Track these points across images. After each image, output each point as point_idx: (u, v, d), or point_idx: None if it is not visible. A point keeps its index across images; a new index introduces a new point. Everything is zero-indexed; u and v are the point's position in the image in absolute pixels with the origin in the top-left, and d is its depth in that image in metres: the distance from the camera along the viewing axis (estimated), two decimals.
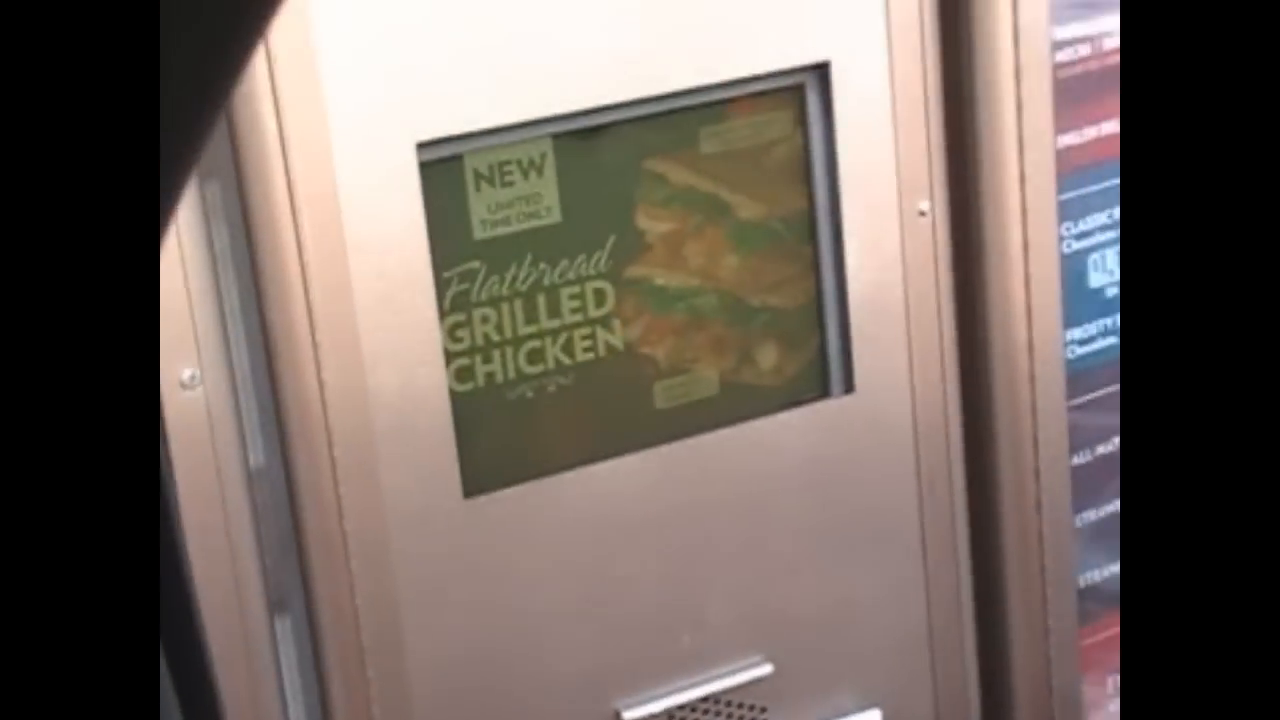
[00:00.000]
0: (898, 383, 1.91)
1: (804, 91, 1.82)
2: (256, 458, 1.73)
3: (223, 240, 1.66)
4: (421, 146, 1.66)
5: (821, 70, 1.81)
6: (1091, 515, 2.02)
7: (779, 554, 1.90)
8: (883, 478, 1.94)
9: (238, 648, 1.74)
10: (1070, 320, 1.96)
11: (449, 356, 1.73)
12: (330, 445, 1.69)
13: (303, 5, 1.58)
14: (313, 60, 1.59)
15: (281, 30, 1.57)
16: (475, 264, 1.73)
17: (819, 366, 1.90)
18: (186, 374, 1.66)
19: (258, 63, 1.58)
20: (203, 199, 1.63)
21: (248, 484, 1.72)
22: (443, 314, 1.72)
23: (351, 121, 1.62)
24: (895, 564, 1.96)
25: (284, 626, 1.78)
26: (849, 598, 1.94)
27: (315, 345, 1.66)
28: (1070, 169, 1.93)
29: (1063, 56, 1.90)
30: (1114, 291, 2.00)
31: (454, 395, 1.73)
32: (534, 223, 1.74)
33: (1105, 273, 1.98)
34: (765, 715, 1.93)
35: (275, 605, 1.77)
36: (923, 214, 1.87)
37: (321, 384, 1.67)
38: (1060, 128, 1.91)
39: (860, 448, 1.91)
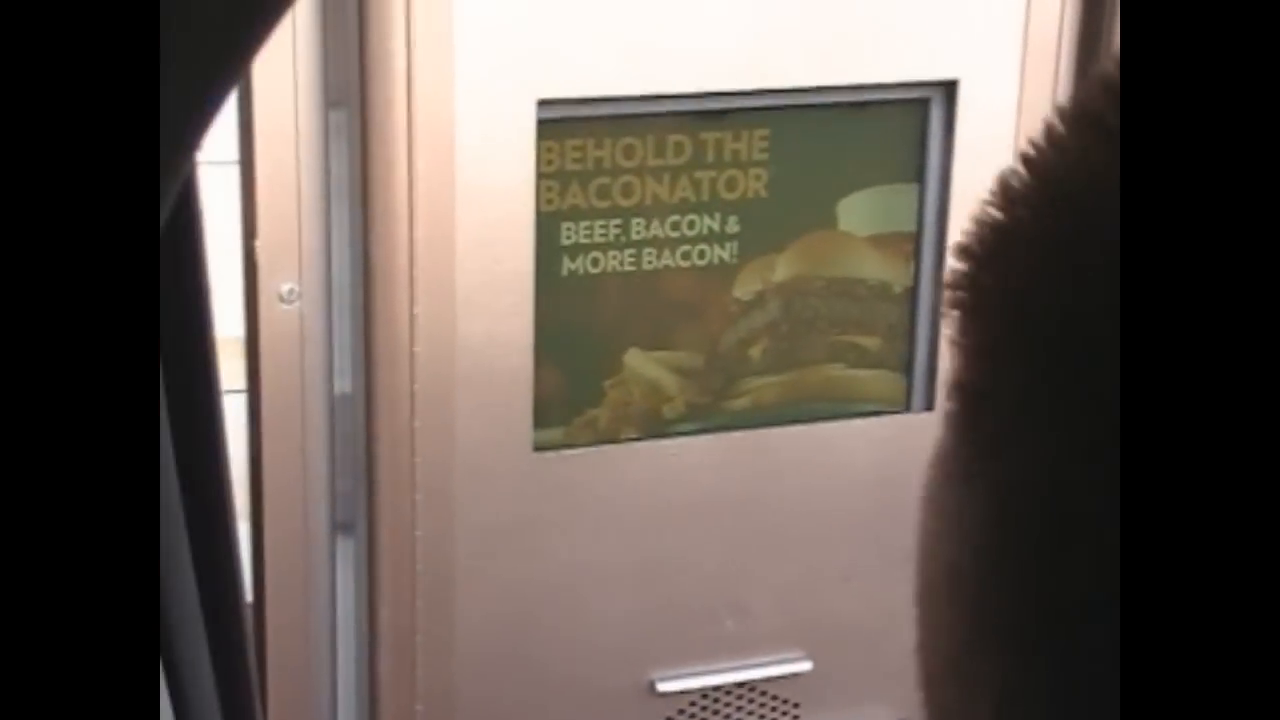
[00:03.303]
0: None
1: (929, 106, 1.83)
2: (342, 383, 1.78)
3: (340, 167, 1.71)
4: (542, 104, 1.70)
5: (949, 88, 1.82)
6: None
7: (836, 557, 1.92)
8: None
9: (297, 562, 1.80)
10: None
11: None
12: (412, 379, 1.74)
13: None
14: (449, 13, 1.64)
15: None
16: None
17: (892, 381, 1.91)
18: (286, 288, 1.71)
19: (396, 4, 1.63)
20: (326, 124, 1.69)
21: (330, 405, 1.77)
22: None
23: (477, 74, 1.67)
24: None
25: (345, 548, 1.83)
26: (897, 611, 1.95)
27: (412, 281, 1.71)
28: None
29: None
30: None
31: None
32: None
33: None
34: (798, 711, 1.94)
35: (340, 526, 1.82)
36: None
37: (413, 319, 1.72)
38: None
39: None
